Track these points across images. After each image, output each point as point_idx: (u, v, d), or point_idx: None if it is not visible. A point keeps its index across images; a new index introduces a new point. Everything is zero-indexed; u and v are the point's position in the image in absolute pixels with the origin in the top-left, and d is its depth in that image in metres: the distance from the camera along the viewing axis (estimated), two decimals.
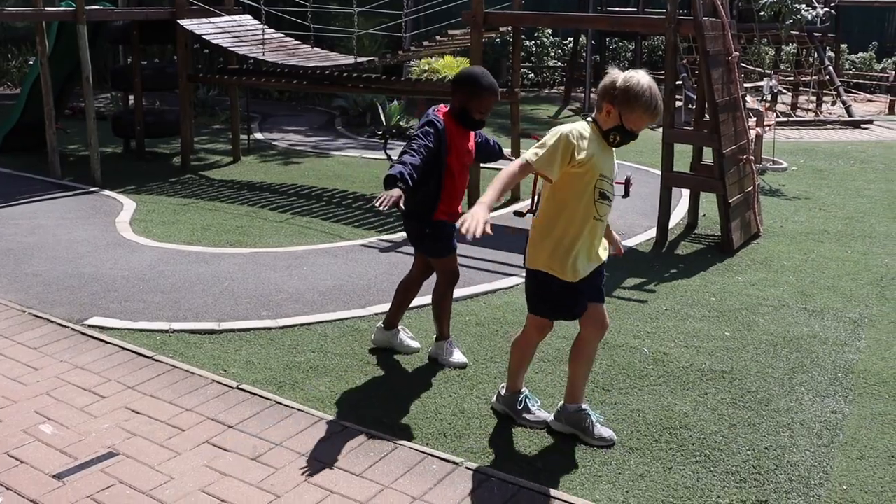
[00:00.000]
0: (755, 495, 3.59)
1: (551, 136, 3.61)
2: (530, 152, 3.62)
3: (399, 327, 5.00)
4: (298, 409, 4.20)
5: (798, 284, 6.31)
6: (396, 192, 3.92)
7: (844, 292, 6.14)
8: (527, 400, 4.15)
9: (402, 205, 3.90)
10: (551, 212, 3.78)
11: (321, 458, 3.78)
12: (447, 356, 4.79)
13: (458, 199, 4.63)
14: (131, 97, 11.63)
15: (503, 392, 4.20)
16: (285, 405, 4.25)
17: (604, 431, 3.98)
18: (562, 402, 4.08)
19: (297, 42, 10.87)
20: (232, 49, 10.16)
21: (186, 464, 3.72)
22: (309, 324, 5.36)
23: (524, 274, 4.00)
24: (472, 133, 4.66)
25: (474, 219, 3.42)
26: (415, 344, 4.99)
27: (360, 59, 9.57)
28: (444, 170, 4.48)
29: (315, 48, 10.86)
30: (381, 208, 3.87)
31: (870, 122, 16.78)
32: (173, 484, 3.56)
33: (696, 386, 4.58)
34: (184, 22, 10.13)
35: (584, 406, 4.03)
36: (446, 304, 4.82)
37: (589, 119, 3.75)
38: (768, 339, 5.24)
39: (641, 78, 3.57)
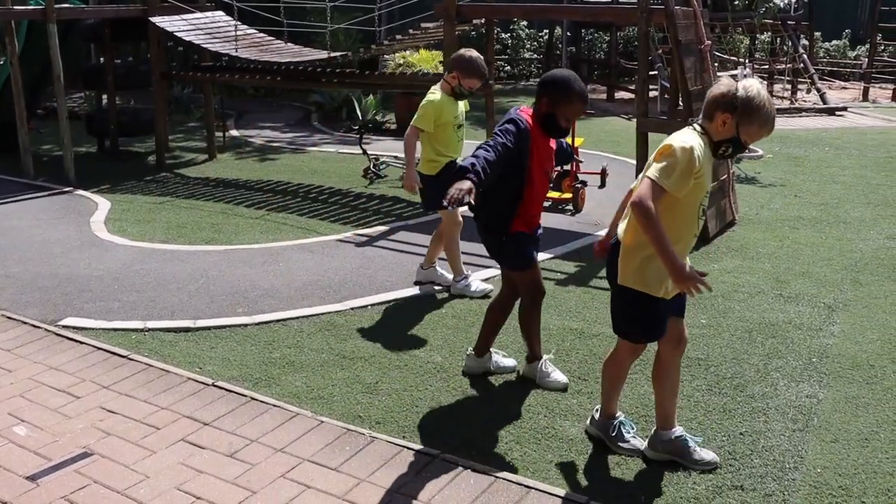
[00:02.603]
0: (731, 481, 3.61)
1: (677, 151, 3.31)
2: (657, 175, 3.30)
3: (491, 350, 4.61)
4: (274, 405, 4.19)
5: (773, 271, 6.35)
6: (466, 183, 3.56)
7: (819, 278, 6.19)
8: (621, 426, 3.85)
9: (472, 199, 3.52)
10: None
11: (297, 453, 3.77)
12: (544, 377, 4.44)
13: (538, 208, 4.27)
14: (104, 96, 11.53)
15: (597, 416, 3.91)
16: (261, 401, 4.23)
17: (705, 455, 3.72)
18: (654, 428, 3.82)
19: (270, 38, 10.82)
20: (205, 46, 10.10)
21: (162, 462, 3.70)
22: (285, 319, 5.34)
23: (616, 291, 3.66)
24: None
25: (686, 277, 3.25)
26: (511, 362, 4.63)
27: (334, 54, 9.53)
28: (525, 176, 4.08)
29: (289, 44, 10.81)
30: (449, 207, 3.50)
31: (844, 109, 16.90)
32: (149, 483, 3.54)
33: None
34: (156, 19, 10.05)
35: (680, 431, 3.76)
36: (534, 322, 4.46)
37: (696, 128, 3.48)
38: (744, 326, 5.27)
39: (761, 88, 3.38)
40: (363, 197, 8.91)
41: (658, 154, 3.39)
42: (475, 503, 3.40)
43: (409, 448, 3.80)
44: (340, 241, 7.18)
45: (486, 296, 5.69)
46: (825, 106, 16.98)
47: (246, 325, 5.25)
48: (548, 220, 7.95)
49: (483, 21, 9.15)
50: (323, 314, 5.43)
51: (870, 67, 20.13)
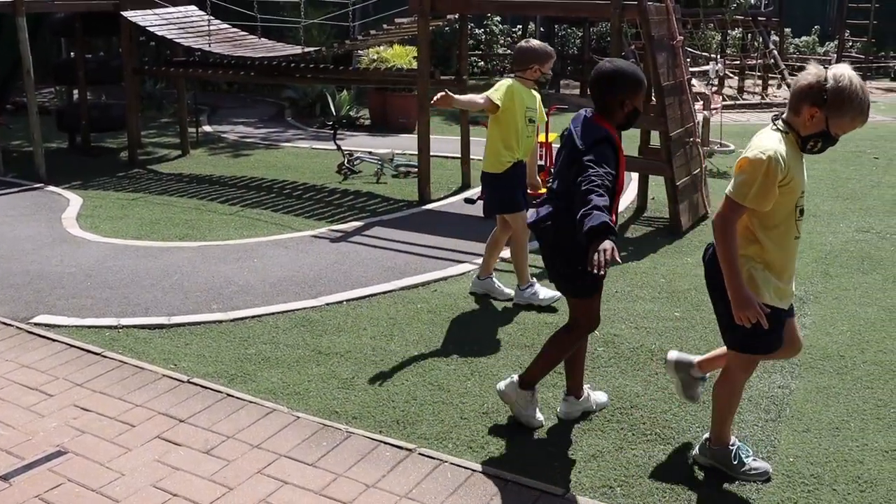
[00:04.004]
0: (706, 471, 3.64)
1: (753, 166, 3.11)
2: (734, 192, 3.15)
3: (585, 388, 4.16)
4: (250, 401, 4.18)
5: None
6: (609, 244, 3.17)
7: None
8: (740, 452, 3.61)
9: (618, 258, 3.20)
10: (755, 238, 3.28)
11: (274, 448, 3.76)
12: (526, 412, 4.04)
13: (616, 211, 3.88)
14: (75, 91, 11.42)
15: (710, 445, 3.64)
16: (237, 397, 4.22)
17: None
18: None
19: (243, 33, 10.76)
20: (178, 41, 10.03)
21: (137, 459, 3.68)
22: (260, 316, 5.32)
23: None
24: None
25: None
26: (604, 398, 4.25)
27: (307, 50, 9.49)
28: (614, 196, 3.65)
29: (262, 39, 10.76)
30: (599, 272, 3.18)
31: None
32: (124, 480, 3.52)
33: (646, 366, 4.64)
34: (128, 14, 9.96)
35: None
36: (560, 355, 4.04)
37: (779, 124, 3.24)
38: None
39: (852, 76, 3.08)
40: (337, 192, 8.90)
41: (736, 167, 3.20)
42: (452, 496, 3.42)
43: (386, 442, 3.80)
44: (315, 236, 7.16)
45: (550, 306, 5.44)
46: None
47: (221, 322, 5.23)
48: None
49: (457, 16, 9.15)
50: (298, 310, 5.42)
51: (838, 63, 20.28)
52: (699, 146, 8.05)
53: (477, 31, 20.98)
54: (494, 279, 5.68)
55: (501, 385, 4.04)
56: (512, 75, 5.45)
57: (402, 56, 12.81)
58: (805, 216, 3.39)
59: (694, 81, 11.50)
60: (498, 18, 21.30)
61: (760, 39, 18.37)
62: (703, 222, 7.62)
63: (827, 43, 23.54)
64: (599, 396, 4.21)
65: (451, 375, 4.52)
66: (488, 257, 5.67)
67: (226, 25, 10.78)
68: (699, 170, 7.88)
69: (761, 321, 3.15)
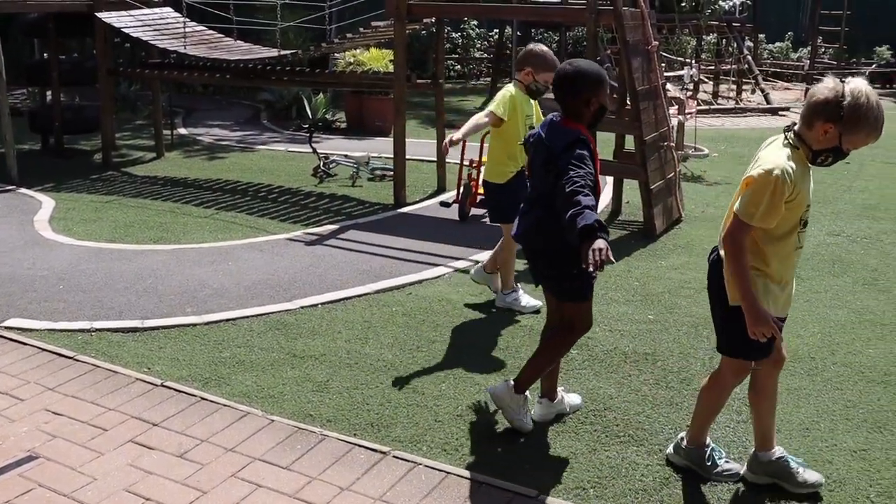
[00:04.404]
0: (678, 472, 3.68)
1: (760, 185, 3.09)
2: (742, 211, 3.14)
3: (559, 391, 4.18)
4: (224, 405, 4.16)
5: None
6: (602, 243, 3.20)
7: None
8: (713, 453, 3.65)
9: (613, 258, 3.21)
10: (757, 247, 3.25)
11: (248, 452, 3.75)
12: (519, 414, 4.02)
13: None
14: (48, 92, 11.32)
15: (685, 444, 3.67)
16: (211, 401, 4.20)
17: (810, 476, 3.54)
18: (753, 450, 3.65)
19: (219, 35, 10.72)
20: (152, 42, 9.97)
21: (110, 464, 3.66)
22: (234, 319, 5.31)
23: (723, 313, 3.38)
24: None
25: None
26: (577, 400, 4.25)
27: (283, 52, 9.48)
28: (595, 196, 3.64)
29: (238, 41, 10.73)
30: (595, 271, 3.24)
31: (787, 109, 17.24)
32: (96, 485, 3.50)
33: (619, 368, 4.67)
34: (102, 15, 9.89)
35: (781, 452, 3.58)
36: (553, 358, 4.03)
37: (789, 137, 3.20)
38: (690, 321, 5.36)
39: (869, 92, 3.03)
40: (313, 196, 8.88)
41: (743, 185, 3.19)
42: (427, 499, 3.42)
43: (360, 445, 3.80)
44: (290, 239, 7.14)
45: (536, 311, 5.44)
46: (769, 106, 17.31)
47: (195, 325, 5.21)
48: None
49: (433, 20, 9.18)
50: (273, 313, 5.41)
51: (811, 69, 20.55)
52: (673, 150, 8.12)
53: (454, 34, 21.02)
54: (519, 292, 5.56)
55: (495, 388, 4.02)
56: (511, 79, 5.47)
57: (378, 59, 12.81)
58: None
59: (669, 86, 11.60)
60: (475, 23, 21.34)
61: (735, 45, 18.52)
62: (677, 226, 7.68)
63: (800, 49, 23.78)
64: (573, 399, 4.23)
65: (426, 378, 4.53)
66: (504, 270, 5.56)
67: (201, 27, 10.73)
68: (673, 174, 7.94)
69: (776, 335, 3.18)
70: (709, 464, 3.62)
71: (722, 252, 3.35)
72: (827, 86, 3.08)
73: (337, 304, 5.59)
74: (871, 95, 3.02)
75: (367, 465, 3.65)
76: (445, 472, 3.61)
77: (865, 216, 8.26)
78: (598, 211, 3.48)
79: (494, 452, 3.82)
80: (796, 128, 3.20)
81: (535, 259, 3.97)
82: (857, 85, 3.04)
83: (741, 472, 3.64)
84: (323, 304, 5.58)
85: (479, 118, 5.31)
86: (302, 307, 5.51)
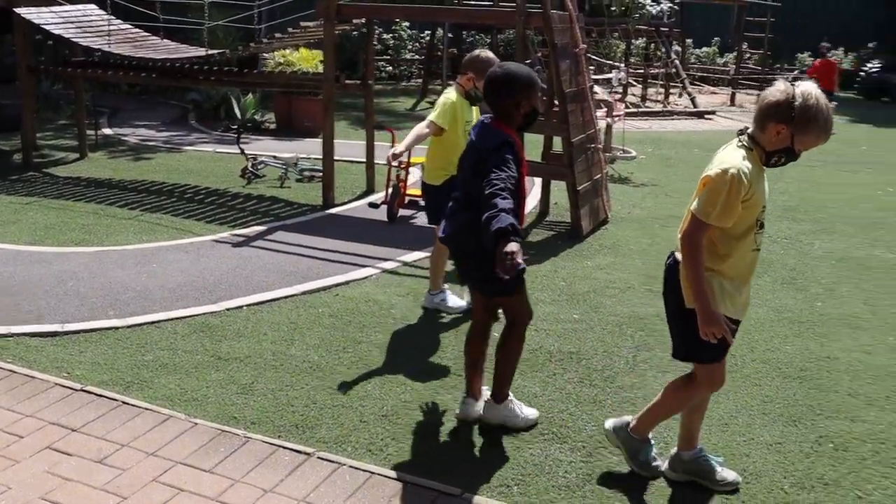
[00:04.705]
0: (600, 468, 3.74)
1: (717, 185, 3.15)
2: (699, 210, 3.19)
3: (483, 390, 4.15)
4: (146, 409, 4.09)
5: (644, 267, 6.58)
6: (515, 245, 3.26)
7: None
8: (648, 448, 3.71)
9: (520, 260, 3.28)
10: (715, 249, 3.30)
11: (170, 456, 3.69)
12: (514, 418, 4.05)
13: (522, 219, 3.89)
14: None
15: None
16: (132, 405, 4.13)
17: (728, 474, 3.63)
18: (676, 449, 3.70)
19: (146, 34, 10.53)
20: (75, 40, 9.75)
21: (25, 472, 3.56)
22: (158, 322, 5.22)
23: (677, 315, 3.42)
24: None
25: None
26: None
27: (211, 52, 9.35)
28: (520, 194, 3.76)
29: (165, 40, 10.55)
30: (506, 276, 3.32)
31: (713, 112, 17.64)
32: (11, 494, 3.40)
33: (544, 367, 4.72)
34: (21, 10, 9.63)
35: (700, 451, 3.65)
36: (517, 354, 4.06)
37: (743, 140, 3.27)
38: (614, 320, 5.45)
39: (819, 95, 3.13)
40: (240, 197, 8.78)
41: (700, 185, 3.24)
42: (350, 499, 3.41)
43: (284, 447, 3.77)
44: (216, 241, 7.05)
45: (463, 312, 5.44)
46: (695, 109, 17.69)
47: (117, 328, 5.11)
48: (427, 218, 8.03)
49: (363, 21, 9.15)
50: (197, 315, 5.33)
51: (737, 74, 21.05)
52: (601, 152, 8.23)
53: (385, 36, 21.00)
54: (447, 293, 5.58)
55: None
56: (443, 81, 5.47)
57: (308, 60, 12.73)
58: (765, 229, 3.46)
59: (597, 89, 11.77)
60: (406, 24, 21.35)
61: (663, 49, 18.88)
62: (604, 226, 7.79)
63: (726, 54, 24.33)
64: (528, 413, 4.18)
65: (352, 379, 4.51)
66: (435, 271, 5.56)
67: (127, 25, 10.53)
68: (600, 175, 8.05)
69: (727, 337, 3.22)
70: (640, 458, 3.67)
71: (678, 254, 3.40)
72: (778, 88, 3.17)
73: (263, 305, 5.54)
74: (820, 98, 3.12)
75: (291, 467, 3.62)
76: (370, 472, 3.60)
77: (786, 217, 8.49)
78: (527, 211, 3.52)
79: (419, 452, 3.83)
80: (749, 130, 3.29)
81: (465, 260, 4.00)
82: (807, 88, 3.15)
83: (662, 468, 3.70)
84: (248, 305, 5.52)
85: (421, 129, 5.29)
86: (227, 309, 5.44)
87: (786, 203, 9.10)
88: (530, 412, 4.11)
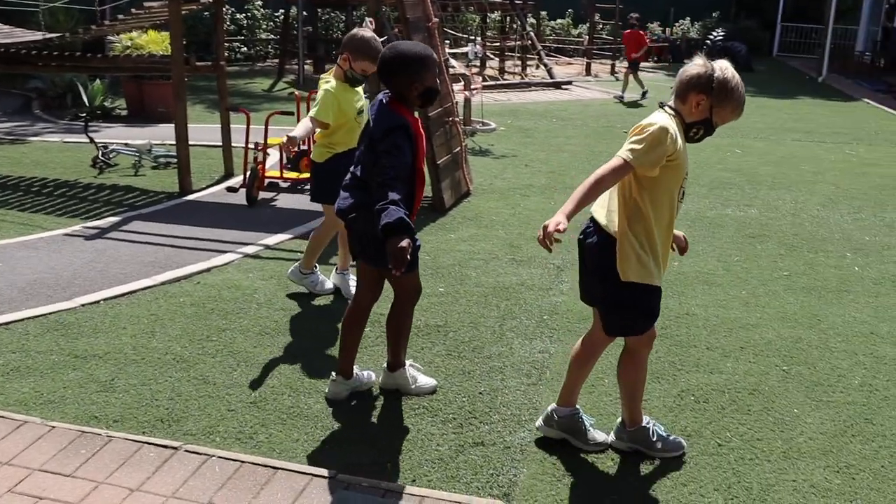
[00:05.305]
0: (472, 438, 3.78)
1: (647, 130, 3.22)
2: (625, 150, 3.23)
3: (354, 368, 4.17)
4: None
5: (507, 237, 6.68)
6: (406, 242, 3.35)
7: None
8: (657, 429, 3.77)
9: (408, 256, 3.37)
10: (642, 215, 3.37)
11: (26, 463, 3.52)
12: (409, 385, 4.17)
13: (420, 198, 3.88)
14: None
15: (626, 427, 3.73)
16: None
17: (598, 435, 3.76)
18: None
19: None
20: None
21: None
22: (7, 323, 4.94)
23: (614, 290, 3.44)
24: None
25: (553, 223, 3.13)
26: (371, 376, 4.28)
27: (50, 36, 8.90)
28: (417, 176, 3.74)
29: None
30: (396, 272, 3.40)
31: (569, 83, 18.02)
32: None
33: (412, 342, 4.70)
34: None
35: (578, 410, 3.77)
36: (408, 326, 4.18)
37: (667, 109, 3.38)
38: (480, 291, 5.52)
39: (734, 71, 3.30)
40: (92, 187, 8.41)
41: (630, 132, 3.31)
42: (221, 490, 3.34)
43: (149, 443, 3.65)
44: (68, 234, 6.74)
45: (332, 292, 5.43)
46: (552, 80, 18.03)
47: None
48: (287, 200, 7.93)
49: (211, 0, 8.89)
50: (51, 314, 5.09)
51: (591, 44, 21.57)
52: (459, 125, 8.28)
53: (238, 16, 20.48)
54: (318, 274, 5.50)
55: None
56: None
57: (158, 42, 12.28)
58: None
59: (453, 62, 11.83)
60: (259, 2, 20.89)
61: (518, 22, 19.12)
62: (466, 199, 7.86)
63: (580, 25, 24.87)
64: (367, 375, 4.25)
65: (217, 368, 4.41)
66: (313, 250, 5.41)
67: None
68: (459, 148, 8.11)
69: (547, 241, 3.16)
70: (654, 440, 3.70)
71: (602, 221, 3.44)
72: (697, 63, 3.33)
73: (121, 298, 5.34)
74: (735, 74, 3.30)
75: (157, 463, 3.51)
76: (240, 461, 3.53)
77: None
78: None
79: (291, 437, 3.78)
80: (670, 103, 3.39)
81: (357, 236, 3.93)
82: (724, 64, 3.32)
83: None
84: (105, 300, 5.31)
85: (308, 123, 4.96)
86: (83, 305, 5.21)
87: None
88: (426, 381, 4.21)
